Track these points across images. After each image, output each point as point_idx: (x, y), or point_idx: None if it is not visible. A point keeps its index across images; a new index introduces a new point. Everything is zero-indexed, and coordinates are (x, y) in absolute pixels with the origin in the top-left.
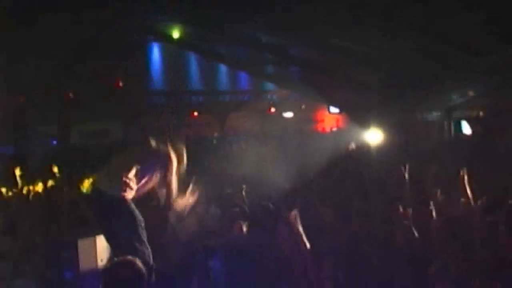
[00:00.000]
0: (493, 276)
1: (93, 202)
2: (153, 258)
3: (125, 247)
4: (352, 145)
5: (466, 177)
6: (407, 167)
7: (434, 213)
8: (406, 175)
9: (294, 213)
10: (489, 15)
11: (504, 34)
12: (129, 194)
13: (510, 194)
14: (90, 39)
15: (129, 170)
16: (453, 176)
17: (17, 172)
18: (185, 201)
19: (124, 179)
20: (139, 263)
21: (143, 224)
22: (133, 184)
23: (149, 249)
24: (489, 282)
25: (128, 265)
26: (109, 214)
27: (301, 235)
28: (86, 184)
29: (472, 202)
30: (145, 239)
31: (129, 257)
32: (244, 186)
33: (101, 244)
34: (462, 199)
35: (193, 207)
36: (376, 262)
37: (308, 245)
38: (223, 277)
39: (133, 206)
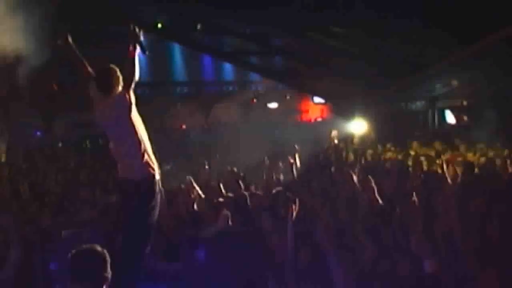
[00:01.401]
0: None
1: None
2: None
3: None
4: (335, 133)
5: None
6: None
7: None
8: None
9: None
10: (471, 5)
11: (486, 23)
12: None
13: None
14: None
15: None
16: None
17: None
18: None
19: None
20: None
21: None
22: None
23: None
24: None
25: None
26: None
27: (285, 224)
28: None
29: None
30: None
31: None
32: (229, 176)
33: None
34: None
35: (178, 197)
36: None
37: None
38: (208, 266)
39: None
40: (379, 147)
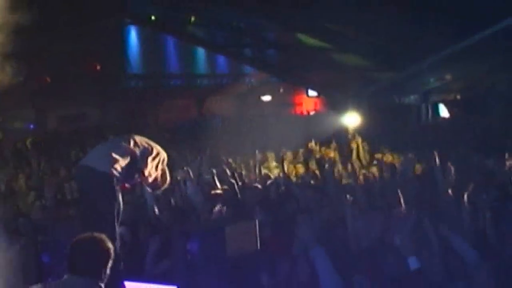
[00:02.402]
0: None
1: (79, 179)
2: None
3: (99, 227)
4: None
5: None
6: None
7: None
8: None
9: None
10: None
11: (480, 17)
12: (116, 174)
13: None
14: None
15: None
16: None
17: None
18: (163, 184)
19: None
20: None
21: (121, 207)
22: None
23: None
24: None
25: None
26: (93, 191)
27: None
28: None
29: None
30: (117, 222)
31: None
32: (223, 170)
33: None
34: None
35: (172, 190)
36: (355, 246)
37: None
38: (201, 260)
39: (117, 187)
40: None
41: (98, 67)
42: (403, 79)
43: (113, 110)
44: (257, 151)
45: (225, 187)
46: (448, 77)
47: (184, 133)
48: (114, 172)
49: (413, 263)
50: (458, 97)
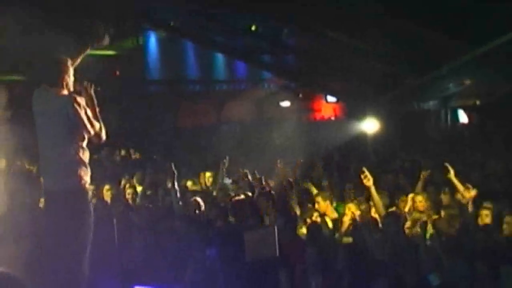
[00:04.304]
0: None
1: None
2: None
3: None
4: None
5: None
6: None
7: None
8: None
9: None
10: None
11: (500, 22)
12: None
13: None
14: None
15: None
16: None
17: None
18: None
19: None
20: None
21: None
22: None
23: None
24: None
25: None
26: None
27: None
28: None
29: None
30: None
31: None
32: (241, 175)
33: None
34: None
35: (191, 196)
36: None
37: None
38: (220, 265)
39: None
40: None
41: (118, 73)
42: (422, 85)
43: (132, 116)
44: (278, 161)
45: (244, 193)
46: (467, 82)
47: (203, 139)
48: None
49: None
50: (478, 102)
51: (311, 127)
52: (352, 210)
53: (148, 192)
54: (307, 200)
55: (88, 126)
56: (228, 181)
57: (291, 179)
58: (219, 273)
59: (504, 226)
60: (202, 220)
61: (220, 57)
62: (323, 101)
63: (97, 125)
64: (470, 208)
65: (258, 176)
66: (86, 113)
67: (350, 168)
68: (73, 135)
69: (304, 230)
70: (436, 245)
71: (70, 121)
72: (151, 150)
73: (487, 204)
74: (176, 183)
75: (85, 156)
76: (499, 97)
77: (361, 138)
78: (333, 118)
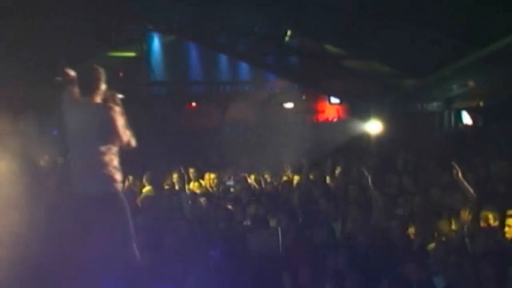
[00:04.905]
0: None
1: None
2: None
3: None
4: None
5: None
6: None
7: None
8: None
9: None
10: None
11: (504, 24)
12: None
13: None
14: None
15: None
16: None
17: None
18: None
19: None
20: None
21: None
22: None
23: None
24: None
25: None
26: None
27: (299, 225)
28: None
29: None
30: None
31: None
32: (244, 177)
33: None
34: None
35: (192, 198)
36: (373, 254)
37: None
38: (224, 266)
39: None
40: None
41: (121, 74)
42: (425, 86)
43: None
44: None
45: (247, 193)
46: (471, 83)
47: (206, 140)
48: None
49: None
50: (482, 104)
51: (315, 128)
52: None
53: (153, 193)
54: (311, 202)
55: (121, 133)
56: (230, 182)
57: (295, 181)
58: (222, 274)
59: (506, 228)
60: (205, 221)
61: (223, 58)
62: (327, 103)
63: (127, 132)
64: (474, 209)
65: (260, 177)
66: (118, 120)
67: (353, 169)
68: (106, 142)
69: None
70: (440, 247)
71: (103, 128)
72: (155, 151)
73: (491, 205)
74: (186, 185)
75: (117, 162)
76: (503, 99)
77: (365, 139)
78: (336, 119)
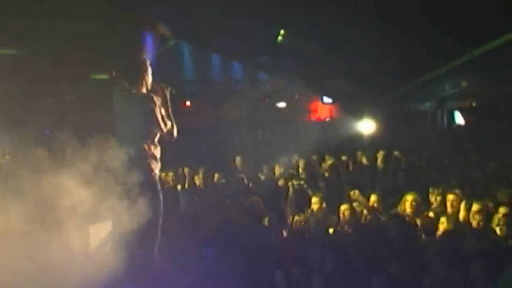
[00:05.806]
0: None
1: None
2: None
3: None
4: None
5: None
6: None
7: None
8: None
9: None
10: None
11: (498, 24)
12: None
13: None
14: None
15: None
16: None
17: None
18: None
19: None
20: None
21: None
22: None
23: None
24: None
25: None
26: None
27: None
28: None
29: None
30: None
31: None
32: (237, 176)
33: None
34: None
35: (185, 197)
36: (368, 252)
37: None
38: (216, 265)
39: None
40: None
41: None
42: (419, 87)
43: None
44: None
45: (241, 192)
46: (464, 84)
47: (200, 140)
48: None
49: None
50: (474, 104)
51: (307, 127)
52: (348, 211)
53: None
54: (303, 201)
55: (162, 124)
56: (222, 181)
57: (287, 180)
58: (215, 273)
59: (498, 227)
60: (199, 219)
61: (216, 58)
62: (319, 102)
63: (169, 123)
64: (464, 208)
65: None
66: (160, 112)
67: (345, 168)
68: (148, 132)
69: (301, 231)
70: (430, 246)
71: (146, 118)
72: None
73: (482, 204)
74: (180, 183)
75: (157, 151)
76: (495, 99)
77: (357, 139)
78: (329, 119)
